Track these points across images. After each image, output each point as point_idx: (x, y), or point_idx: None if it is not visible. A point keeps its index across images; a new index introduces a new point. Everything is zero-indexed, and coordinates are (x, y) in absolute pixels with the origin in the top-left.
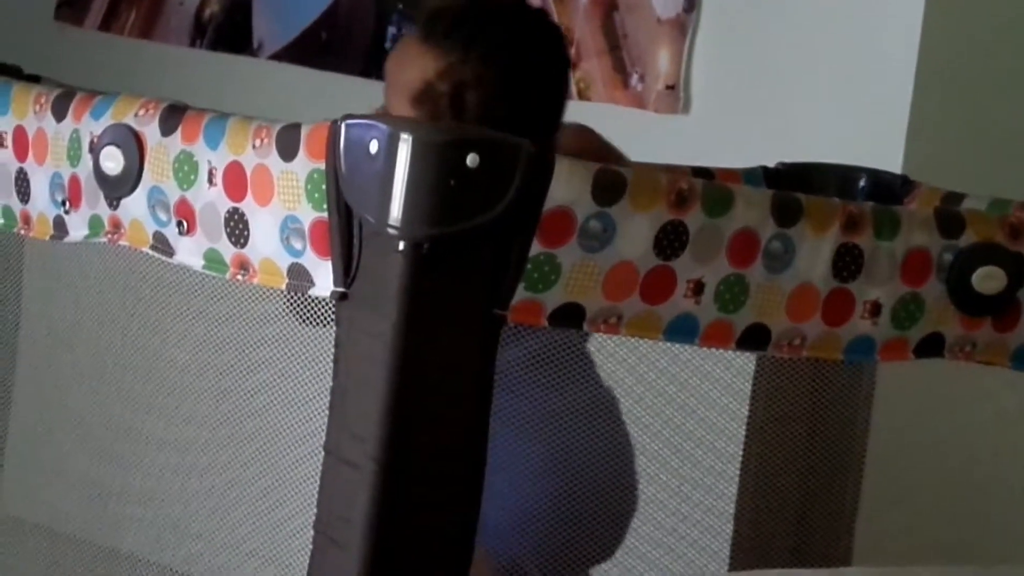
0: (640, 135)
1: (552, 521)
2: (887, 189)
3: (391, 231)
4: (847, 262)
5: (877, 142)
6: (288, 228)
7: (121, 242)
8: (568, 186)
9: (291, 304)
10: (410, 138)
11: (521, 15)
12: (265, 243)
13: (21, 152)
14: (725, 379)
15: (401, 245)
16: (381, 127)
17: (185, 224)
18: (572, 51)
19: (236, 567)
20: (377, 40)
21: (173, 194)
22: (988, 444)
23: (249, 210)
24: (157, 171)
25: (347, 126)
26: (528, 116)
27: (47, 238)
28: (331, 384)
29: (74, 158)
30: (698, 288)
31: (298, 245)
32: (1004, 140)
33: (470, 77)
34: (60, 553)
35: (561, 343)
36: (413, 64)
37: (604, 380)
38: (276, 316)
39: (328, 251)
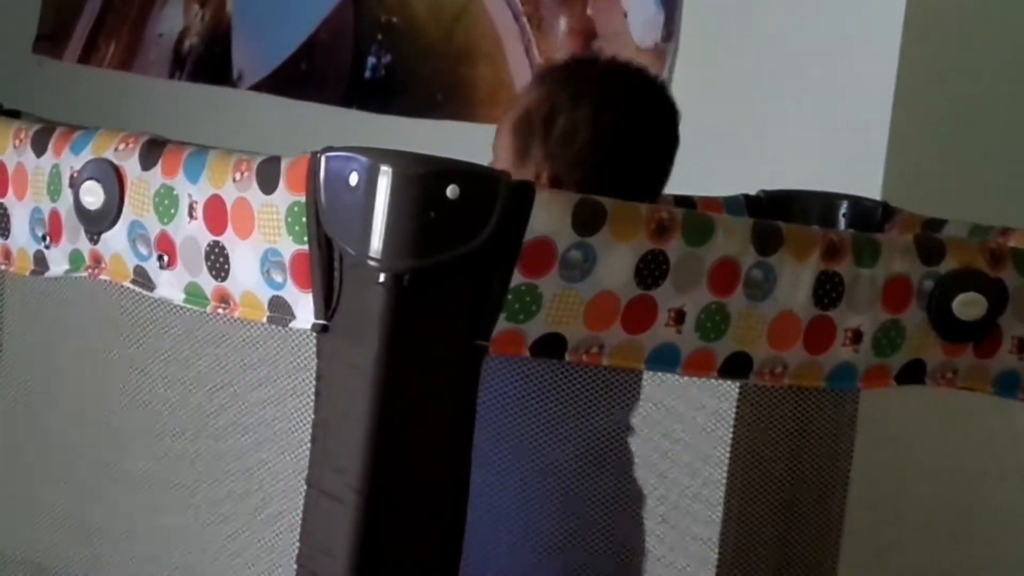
0: None
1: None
2: (868, 216)
3: (372, 263)
4: (828, 290)
5: (856, 168)
6: (269, 261)
7: (102, 276)
8: (548, 216)
9: None
10: (390, 170)
11: (646, 84)
12: (246, 276)
13: (1, 187)
14: (709, 404)
15: (382, 277)
16: (361, 159)
17: (166, 258)
18: None
19: None
20: (356, 71)
21: (153, 228)
22: (973, 468)
23: (230, 243)
24: (137, 205)
25: (327, 158)
26: (631, 174)
27: (27, 273)
28: (312, 417)
29: (54, 193)
30: (679, 317)
31: (279, 278)
32: (983, 165)
33: (578, 118)
34: None
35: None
36: (526, 94)
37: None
38: (255, 346)
39: (309, 284)
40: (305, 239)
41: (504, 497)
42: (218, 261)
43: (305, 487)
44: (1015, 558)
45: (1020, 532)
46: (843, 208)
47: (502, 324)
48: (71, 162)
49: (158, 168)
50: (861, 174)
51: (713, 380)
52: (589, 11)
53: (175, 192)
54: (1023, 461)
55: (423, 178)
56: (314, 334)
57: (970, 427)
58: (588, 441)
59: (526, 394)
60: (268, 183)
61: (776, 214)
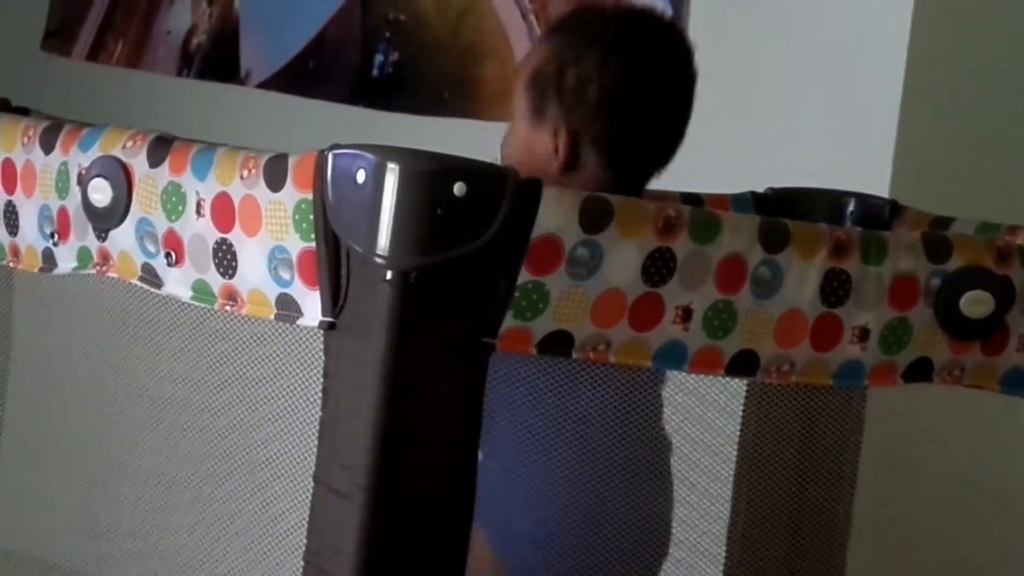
0: None
1: (574, 546)
2: (876, 214)
3: (379, 260)
4: (835, 287)
5: (864, 166)
6: (276, 258)
7: (110, 274)
8: (555, 214)
9: None
10: (397, 167)
11: (652, 24)
12: (253, 273)
13: (9, 185)
14: (717, 399)
15: (389, 274)
16: (368, 157)
17: (173, 255)
18: None
19: None
20: (364, 68)
21: (161, 225)
22: (981, 466)
23: (237, 241)
24: (145, 203)
25: (334, 155)
26: (650, 118)
27: (36, 270)
28: (319, 414)
29: (62, 190)
30: (686, 314)
31: (286, 275)
32: (992, 163)
33: (588, 68)
34: None
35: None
36: (534, 53)
37: (665, 426)
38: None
39: (316, 281)
40: (312, 236)
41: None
42: (226, 258)
43: (312, 484)
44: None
45: None
46: (851, 206)
47: (509, 321)
48: (79, 159)
49: (166, 165)
50: (869, 172)
51: (720, 378)
52: None
53: (183, 189)
54: None
55: (430, 175)
56: (321, 331)
57: (977, 425)
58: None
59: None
60: (275, 180)
61: (783, 212)
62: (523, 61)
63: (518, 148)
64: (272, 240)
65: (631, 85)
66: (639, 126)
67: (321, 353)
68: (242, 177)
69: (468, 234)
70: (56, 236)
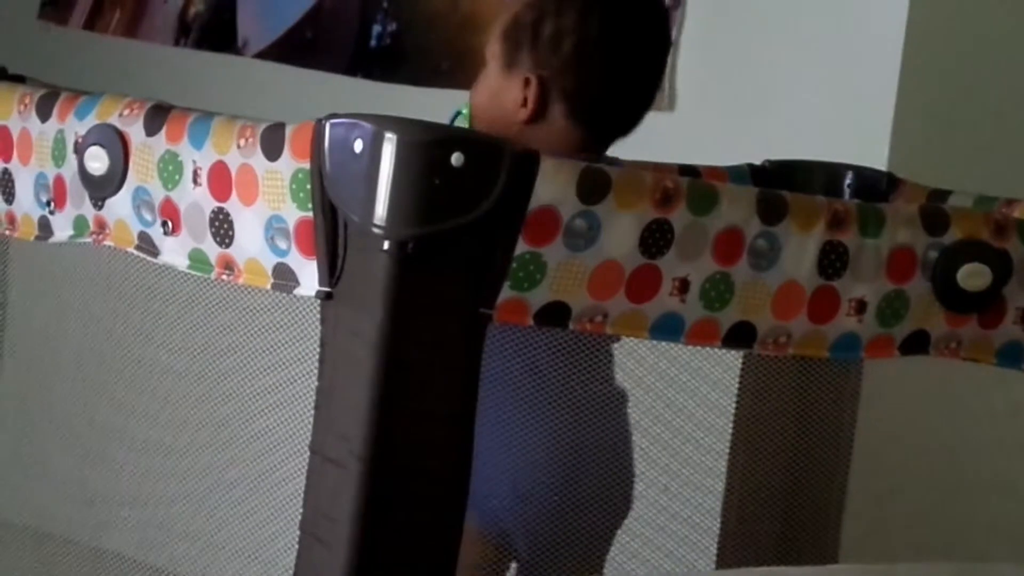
0: None
1: (545, 502)
2: (873, 186)
3: (376, 230)
4: (832, 260)
5: (862, 139)
6: (273, 228)
7: (106, 242)
8: (553, 185)
9: None
10: (394, 137)
11: None
12: (250, 243)
13: (6, 152)
14: (712, 374)
15: (386, 244)
16: (365, 126)
17: (170, 224)
18: None
19: (222, 566)
20: (362, 38)
21: (158, 194)
22: (976, 440)
23: (234, 210)
24: (142, 171)
25: (332, 125)
26: (621, 79)
27: (32, 239)
28: (316, 384)
29: (59, 158)
30: (683, 286)
31: (283, 245)
32: (989, 136)
33: (566, 21)
34: (46, 554)
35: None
36: (514, 2)
37: (618, 378)
38: (259, 313)
39: (313, 251)
40: (309, 206)
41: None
42: (222, 228)
43: (308, 453)
44: (1017, 530)
45: (1021, 503)
46: (848, 178)
47: (506, 292)
48: (76, 127)
49: (162, 134)
50: (867, 144)
51: (717, 349)
52: None
53: (179, 158)
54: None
55: (427, 145)
56: (318, 301)
57: (971, 399)
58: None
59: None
60: (273, 150)
61: (781, 184)
62: (502, 10)
63: (487, 97)
64: (269, 209)
65: (607, 43)
66: (610, 84)
67: (318, 323)
68: (239, 146)
69: (465, 204)
70: (52, 204)
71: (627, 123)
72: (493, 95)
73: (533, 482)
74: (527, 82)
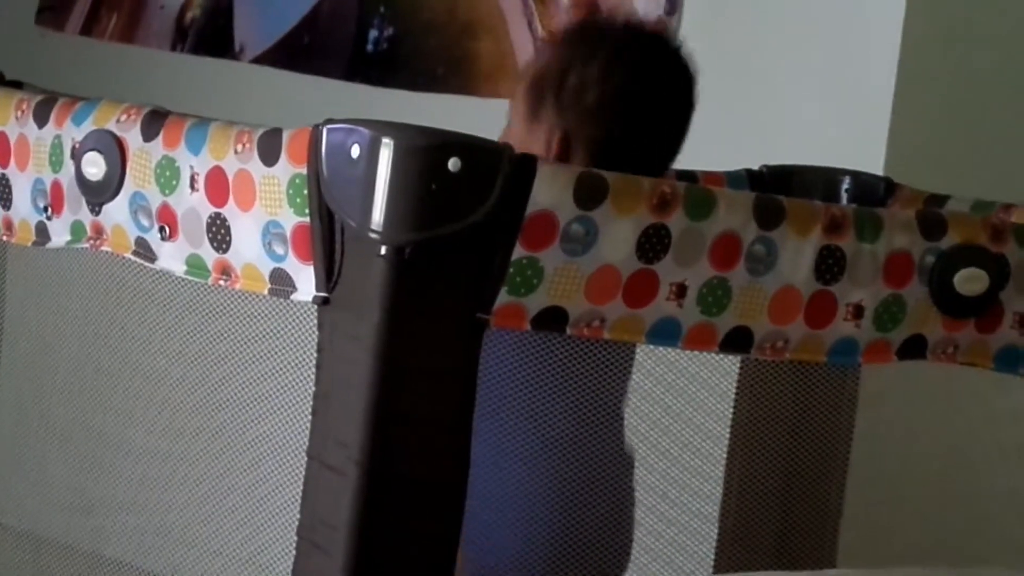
0: None
1: (543, 563)
2: (870, 191)
3: (373, 235)
4: (829, 264)
5: (859, 143)
6: (270, 233)
7: (103, 248)
8: (550, 190)
9: None
10: (391, 142)
11: (659, 45)
12: (247, 248)
13: (3, 158)
14: (710, 379)
15: (383, 249)
16: (362, 131)
17: (167, 229)
18: None
19: (220, 572)
20: (359, 43)
21: (155, 200)
22: (973, 445)
23: (231, 215)
24: (139, 177)
25: (328, 130)
26: (642, 133)
27: (29, 244)
28: (313, 389)
29: (56, 164)
30: (681, 291)
31: (280, 250)
32: (986, 141)
33: (590, 73)
34: (44, 559)
35: (600, 399)
36: (539, 57)
37: (627, 441)
38: (256, 319)
39: (310, 256)
40: (306, 211)
41: (496, 469)
42: (219, 233)
43: (306, 459)
44: (1015, 535)
45: (1020, 509)
46: (845, 183)
47: (503, 297)
48: (73, 133)
49: (160, 139)
50: (864, 149)
51: (714, 355)
52: None
53: (177, 164)
54: (1022, 438)
55: (425, 150)
56: (315, 306)
57: (970, 404)
58: (583, 411)
59: (522, 365)
60: (270, 155)
61: (778, 189)
62: (527, 64)
63: (511, 145)
64: (266, 215)
65: (630, 96)
66: (631, 137)
67: (315, 328)
68: (236, 152)
69: (463, 209)
70: (49, 210)
71: (653, 170)
72: (518, 146)
73: (534, 542)
74: (550, 134)
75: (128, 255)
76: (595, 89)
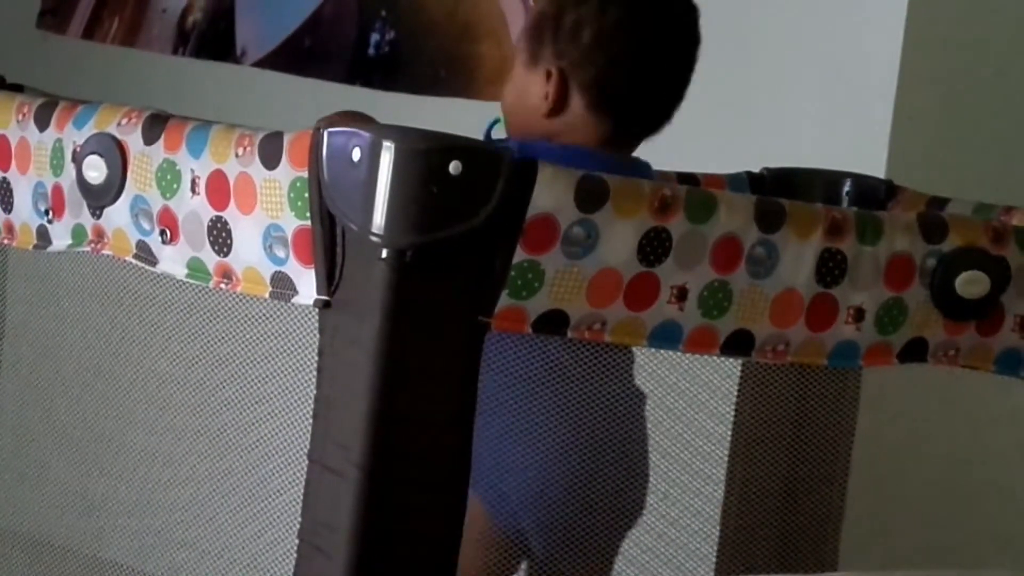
0: None
1: (561, 502)
2: (872, 194)
3: (374, 239)
4: (830, 267)
5: (860, 146)
6: (271, 236)
7: (104, 251)
8: (551, 193)
9: None
10: (392, 146)
11: None
12: (248, 252)
13: (4, 161)
14: (711, 381)
15: (384, 253)
16: (363, 135)
17: (168, 233)
18: None
19: (220, 574)
20: (360, 47)
21: (156, 203)
22: (975, 448)
23: (232, 218)
24: (140, 180)
25: (329, 134)
26: (642, 72)
27: (30, 247)
28: (314, 392)
29: (57, 167)
30: (682, 294)
31: (281, 253)
32: (988, 143)
33: (586, 11)
34: (44, 562)
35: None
36: (537, 4)
37: (637, 379)
38: (258, 322)
39: (311, 259)
40: (307, 215)
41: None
42: (220, 236)
43: (307, 462)
44: (1017, 537)
45: (1021, 510)
46: (847, 186)
47: (504, 300)
48: (74, 137)
49: (161, 143)
50: (865, 152)
51: (715, 357)
52: None
53: (177, 167)
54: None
55: (425, 154)
56: (316, 310)
57: (971, 406)
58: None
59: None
60: (271, 158)
61: (779, 192)
62: (530, 11)
63: (514, 96)
64: (267, 218)
65: (626, 33)
66: (630, 76)
67: (316, 332)
68: (237, 155)
69: (464, 213)
70: (50, 213)
71: (653, 118)
72: (519, 92)
73: (550, 481)
74: (548, 75)
75: (129, 258)
76: (591, 25)
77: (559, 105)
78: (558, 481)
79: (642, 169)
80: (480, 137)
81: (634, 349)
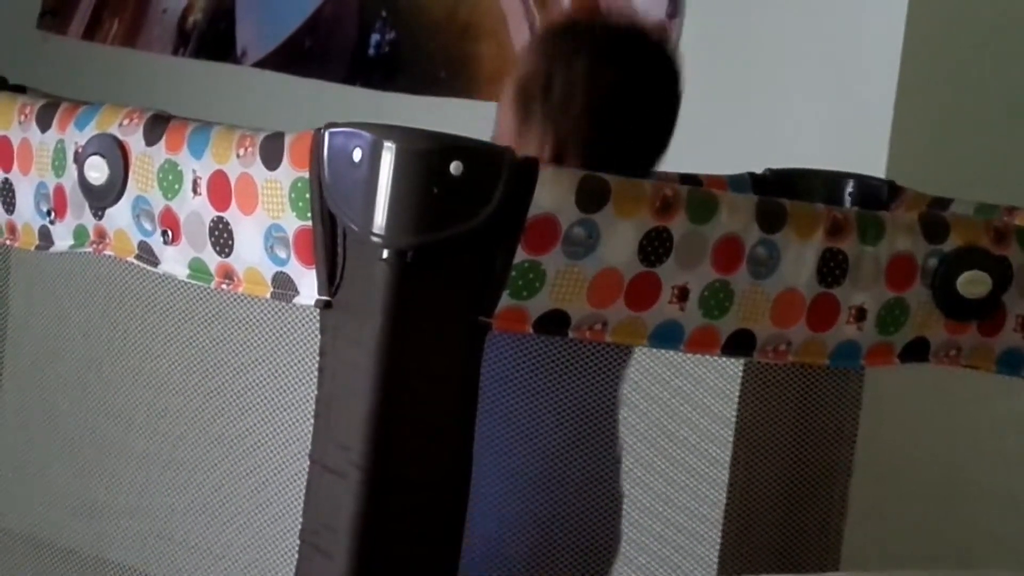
0: None
1: (528, 550)
2: (873, 195)
3: (375, 239)
4: (832, 267)
5: (862, 147)
6: (272, 237)
7: (106, 252)
8: (552, 193)
9: None
10: (393, 146)
11: (642, 40)
12: (250, 252)
13: (6, 162)
14: (713, 382)
15: (385, 253)
16: (364, 135)
17: (170, 233)
18: None
19: (221, 575)
20: (361, 47)
21: (158, 204)
22: (977, 449)
23: (233, 219)
24: (141, 181)
25: (330, 134)
26: (635, 134)
27: (32, 248)
28: (315, 392)
29: (59, 168)
30: (683, 294)
31: (282, 254)
32: (989, 143)
33: (575, 78)
34: (46, 564)
35: (596, 395)
36: (523, 59)
37: (621, 438)
38: (259, 322)
39: (312, 260)
40: (309, 215)
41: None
42: (222, 237)
43: (308, 463)
44: (1018, 538)
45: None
46: (849, 186)
47: (505, 301)
48: (76, 137)
49: (162, 144)
50: (867, 152)
51: (716, 357)
52: None
53: (179, 168)
54: None
55: (426, 154)
56: (317, 310)
57: (973, 406)
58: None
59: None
60: (272, 159)
61: (781, 192)
62: (513, 68)
63: (505, 138)
64: (268, 219)
65: (617, 98)
66: (623, 138)
67: (317, 332)
68: (238, 156)
69: (464, 213)
70: (52, 214)
71: (645, 168)
72: (511, 140)
73: (518, 532)
74: (542, 141)
75: (131, 259)
76: (582, 94)
77: (555, 163)
78: (525, 525)
79: None
80: (481, 137)
81: (634, 351)
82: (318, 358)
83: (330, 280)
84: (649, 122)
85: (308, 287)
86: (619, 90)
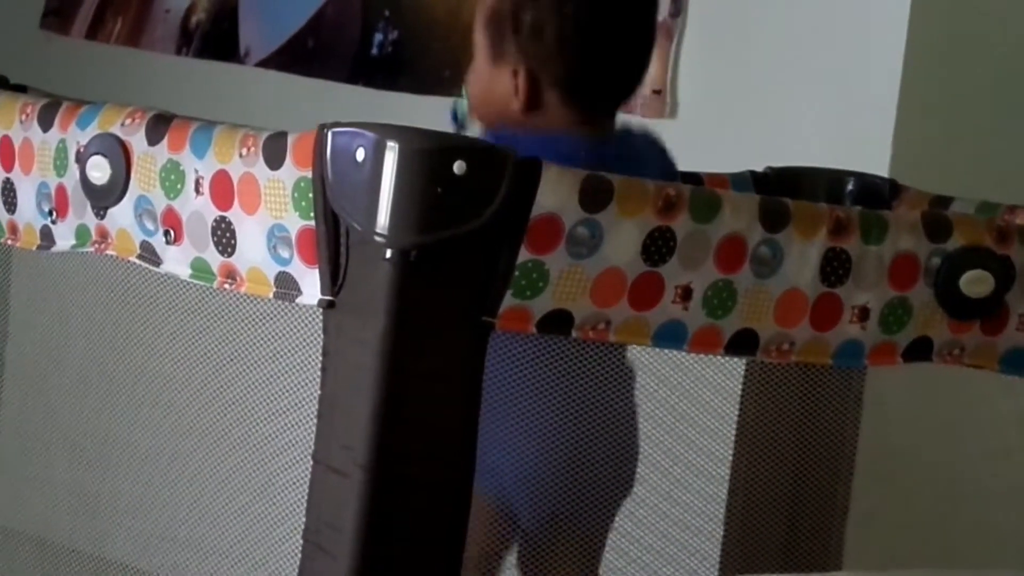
0: None
1: (550, 480)
2: (875, 193)
3: (378, 239)
4: (835, 267)
5: (864, 145)
6: (275, 237)
7: (108, 252)
8: (555, 193)
9: None
10: (396, 146)
11: None
12: (252, 252)
13: (7, 162)
14: (716, 380)
15: (388, 253)
16: (367, 135)
17: (172, 233)
18: None
19: (224, 575)
20: (364, 47)
21: (160, 203)
22: (980, 447)
23: (236, 219)
24: (144, 180)
25: (333, 134)
26: (606, 63)
27: (34, 248)
28: (319, 392)
29: (61, 168)
30: (686, 294)
31: (285, 254)
32: (992, 142)
33: (543, 8)
34: (49, 562)
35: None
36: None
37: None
38: (262, 322)
39: (315, 259)
40: (312, 215)
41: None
42: (224, 236)
43: (311, 462)
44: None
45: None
46: (850, 185)
47: (509, 300)
48: (77, 137)
49: (164, 143)
50: (869, 151)
51: (720, 357)
52: None
53: (181, 167)
54: None
55: (430, 154)
56: (320, 310)
57: (976, 405)
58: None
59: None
60: (275, 158)
61: (783, 191)
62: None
63: (480, 88)
64: (271, 218)
65: (588, 23)
66: (598, 64)
67: (320, 332)
68: (241, 155)
69: (468, 213)
70: (54, 214)
71: (626, 90)
72: (486, 86)
73: (538, 460)
74: (515, 73)
75: (133, 259)
76: (552, 24)
77: (534, 102)
78: (547, 456)
79: (629, 141)
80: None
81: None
82: (321, 358)
83: (333, 280)
84: (623, 46)
85: (311, 287)
86: (589, 15)
